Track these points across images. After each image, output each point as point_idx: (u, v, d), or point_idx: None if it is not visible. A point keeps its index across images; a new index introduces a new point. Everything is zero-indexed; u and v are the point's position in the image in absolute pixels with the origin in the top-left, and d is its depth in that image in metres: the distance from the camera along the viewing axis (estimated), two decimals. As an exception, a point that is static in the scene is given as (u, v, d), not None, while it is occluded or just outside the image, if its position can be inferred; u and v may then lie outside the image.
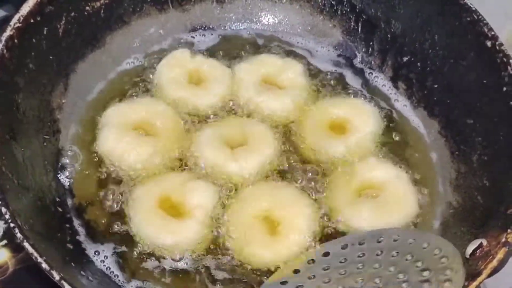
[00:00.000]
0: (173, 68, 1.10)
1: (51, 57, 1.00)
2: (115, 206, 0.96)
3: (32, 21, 0.94)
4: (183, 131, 1.04)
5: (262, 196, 0.95)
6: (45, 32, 0.98)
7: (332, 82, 1.15)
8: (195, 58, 1.12)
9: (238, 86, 1.10)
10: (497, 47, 0.95)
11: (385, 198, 0.96)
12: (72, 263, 0.84)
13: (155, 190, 0.94)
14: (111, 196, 0.97)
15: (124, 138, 0.99)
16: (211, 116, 1.07)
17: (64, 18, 1.01)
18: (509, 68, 0.92)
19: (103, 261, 0.91)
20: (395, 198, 0.96)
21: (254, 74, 1.12)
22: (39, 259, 0.73)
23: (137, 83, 1.11)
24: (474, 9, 1.00)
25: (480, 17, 0.99)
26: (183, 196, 0.94)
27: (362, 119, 1.05)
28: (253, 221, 0.93)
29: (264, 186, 0.98)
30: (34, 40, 0.96)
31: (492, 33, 0.97)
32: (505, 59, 0.93)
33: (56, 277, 0.73)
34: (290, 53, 1.19)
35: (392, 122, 1.10)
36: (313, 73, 1.16)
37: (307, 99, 1.10)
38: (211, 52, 1.17)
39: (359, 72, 1.18)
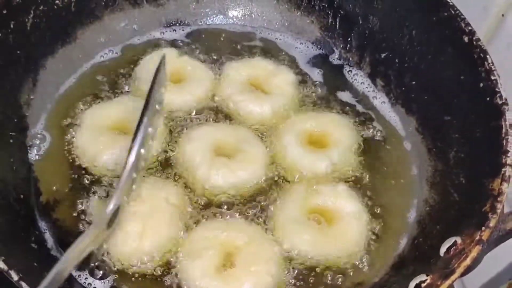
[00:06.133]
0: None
1: (18, 52, 0.98)
2: (82, 205, 0.93)
3: (-2, 14, 0.92)
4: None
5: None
6: (12, 26, 0.95)
7: (311, 85, 1.13)
8: (181, 58, 1.10)
9: (222, 82, 1.08)
10: (474, 42, 0.94)
11: (335, 230, 0.90)
12: (35, 264, 0.80)
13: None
14: (79, 196, 0.94)
15: (100, 138, 0.97)
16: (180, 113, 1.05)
17: (32, 12, 0.99)
18: (486, 63, 0.91)
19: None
20: (343, 236, 0.90)
21: (242, 73, 1.09)
22: (-3, 259, 0.71)
23: (111, 79, 1.09)
24: (451, 4, 0.98)
25: (457, 12, 0.97)
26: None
27: (340, 133, 1.02)
28: None
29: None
30: (0, 34, 0.93)
31: (469, 28, 0.95)
32: (482, 55, 0.92)
33: (15, 277, 0.70)
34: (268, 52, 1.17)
35: (369, 119, 1.08)
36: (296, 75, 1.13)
37: (289, 109, 1.06)
38: (187, 49, 1.15)
39: (337, 69, 1.16)
